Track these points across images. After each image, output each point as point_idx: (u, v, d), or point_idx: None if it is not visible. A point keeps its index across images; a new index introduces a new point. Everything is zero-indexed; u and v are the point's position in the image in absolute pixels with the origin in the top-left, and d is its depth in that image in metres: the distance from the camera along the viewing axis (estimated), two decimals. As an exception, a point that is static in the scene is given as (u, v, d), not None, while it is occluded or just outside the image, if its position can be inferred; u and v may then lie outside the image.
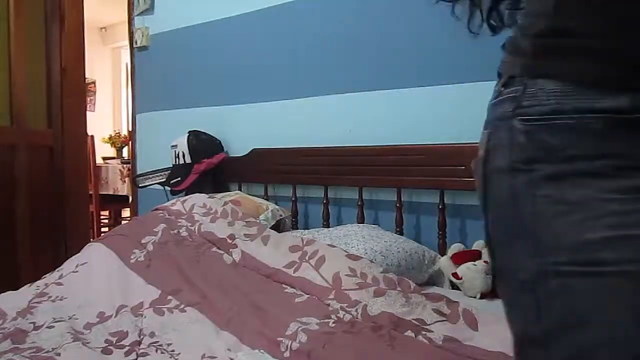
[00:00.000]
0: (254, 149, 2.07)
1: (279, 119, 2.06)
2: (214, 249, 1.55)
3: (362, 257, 1.37)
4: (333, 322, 1.13)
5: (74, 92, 2.71)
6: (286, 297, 1.27)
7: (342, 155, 1.82)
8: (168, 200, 2.01)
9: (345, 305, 1.19)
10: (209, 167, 2.13)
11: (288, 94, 2.03)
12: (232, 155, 2.20)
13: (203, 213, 1.72)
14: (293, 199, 1.95)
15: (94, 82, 6.25)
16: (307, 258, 1.38)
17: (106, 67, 6.53)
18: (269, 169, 2.02)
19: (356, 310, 1.16)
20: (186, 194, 2.11)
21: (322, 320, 1.14)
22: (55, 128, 2.64)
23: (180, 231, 1.65)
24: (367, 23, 1.82)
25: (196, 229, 1.65)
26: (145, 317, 1.31)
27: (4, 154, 2.36)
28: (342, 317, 1.15)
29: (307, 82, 1.98)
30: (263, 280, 1.37)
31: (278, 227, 1.86)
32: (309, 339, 1.08)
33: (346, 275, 1.28)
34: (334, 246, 1.44)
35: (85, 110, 2.93)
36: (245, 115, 2.17)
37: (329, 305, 1.21)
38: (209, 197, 1.84)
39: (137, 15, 2.57)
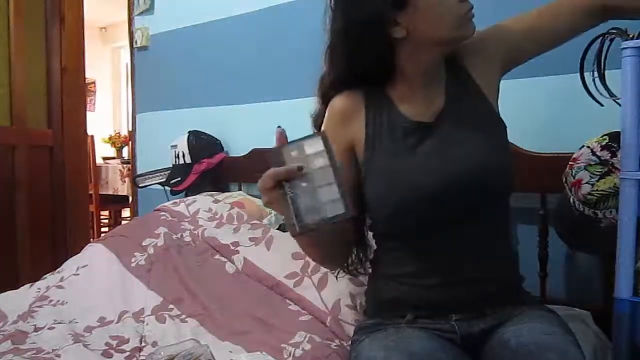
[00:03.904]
0: (254, 149, 2.07)
1: (279, 119, 2.06)
2: (217, 256, 1.52)
3: (364, 284, 1.32)
4: (335, 346, 1.11)
5: (74, 92, 2.71)
6: (291, 313, 1.25)
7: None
8: (168, 200, 2.01)
9: (341, 338, 1.16)
10: (209, 167, 2.13)
11: (288, 94, 2.03)
12: (232, 155, 2.20)
13: (208, 218, 1.70)
14: (293, 199, 1.95)
15: (94, 82, 6.26)
16: (309, 271, 1.33)
17: (106, 67, 6.54)
18: (269, 169, 2.01)
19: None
20: (186, 194, 2.11)
21: (325, 341, 1.13)
22: (55, 128, 2.64)
23: (184, 235, 1.64)
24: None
25: (200, 233, 1.63)
26: (147, 324, 1.30)
27: (4, 154, 2.36)
28: (343, 345, 1.13)
29: (307, 82, 1.98)
30: (266, 293, 1.34)
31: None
32: (312, 347, 1.08)
33: (346, 305, 1.23)
34: None
35: (85, 110, 2.93)
36: (245, 115, 2.17)
37: (330, 329, 1.18)
38: (214, 201, 1.82)
39: (137, 15, 2.57)
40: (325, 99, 1.06)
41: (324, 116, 1.05)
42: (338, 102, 1.03)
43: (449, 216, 0.93)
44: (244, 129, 2.18)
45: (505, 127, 1.01)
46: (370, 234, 1.09)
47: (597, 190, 1.05)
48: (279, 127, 1.93)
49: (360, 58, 0.96)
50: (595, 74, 1.03)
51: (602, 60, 1.03)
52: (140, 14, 2.55)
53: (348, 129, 1.01)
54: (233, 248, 1.52)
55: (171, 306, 1.36)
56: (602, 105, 1.04)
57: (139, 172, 2.48)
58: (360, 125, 1.00)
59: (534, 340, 0.85)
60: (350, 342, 1.05)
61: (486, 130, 0.97)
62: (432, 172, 0.92)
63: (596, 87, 1.04)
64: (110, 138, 5.00)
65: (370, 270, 1.10)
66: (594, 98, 1.05)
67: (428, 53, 0.96)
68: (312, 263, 1.36)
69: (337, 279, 1.21)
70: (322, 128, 1.04)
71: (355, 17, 0.93)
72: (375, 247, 1.07)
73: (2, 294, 1.48)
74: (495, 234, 0.98)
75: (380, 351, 0.88)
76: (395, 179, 0.94)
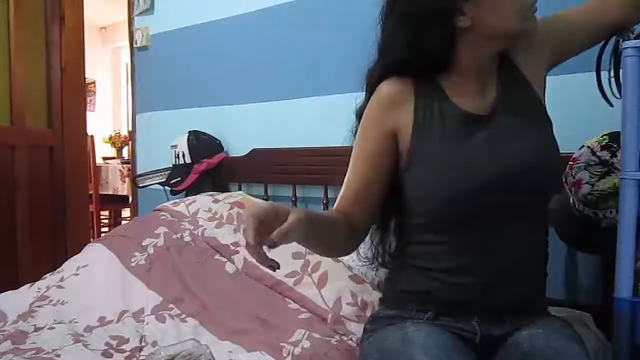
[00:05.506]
0: (254, 149, 2.07)
1: (279, 119, 2.06)
2: (217, 256, 1.52)
3: (365, 281, 1.31)
4: (335, 341, 1.11)
5: (74, 92, 2.71)
6: (290, 312, 1.25)
7: (342, 155, 1.82)
8: (168, 200, 2.01)
9: (342, 334, 1.17)
10: (209, 167, 2.13)
11: (288, 93, 2.03)
12: (232, 155, 2.20)
13: (208, 218, 1.70)
14: (293, 199, 1.95)
15: (94, 82, 6.25)
16: (309, 270, 1.33)
17: (106, 67, 6.53)
18: (268, 169, 2.02)
19: (353, 340, 1.14)
20: (186, 194, 2.11)
21: (324, 337, 1.13)
22: (55, 128, 2.64)
23: (184, 235, 1.64)
24: (370, 23, 1.82)
25: (199, 233, 1.63)
26: (147, 324, 1.30)
27: (4, 154, 2.36)
28: (344, 340, 1.14)
29: (307, 82, 1.98)
30: (266, 292, 1.34)
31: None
32: (312, 345, 1.08)
33: (347, 303, 1.23)
34: (338, 260, 1.38)
35: (85, 110, 2.93)
36: (245, 115, 2.17)
37: (331, 326, 1.19)
38: (213, 201, 1.82)
39: (137, 15, 2.57)
40: (373, 88, 1.02)
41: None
42: (386, 87, 1.00)
43: (496, 211, 0.91)
44: (244, 129, 2.18)
45: (552, 123, 1.00)
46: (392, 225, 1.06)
47: (597, 190, 1.05)
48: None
49: (421, 45, 0.94)
50: (612, 73, 1.03)
51: (618, 60, 1.02)
52: (140, 14, 2.55)
53: (394, 115, 0.98)
54: (233, 248, 1.52)
55: (171, 306, 1.36)
56: (611, 105, 1.04)
57: (139, 172, 2.49)
58: (409, 111, 0.97)
59: (547, 346, 0.86)
60: (350, 336, 1.06)
61: (537, 126, 0.96)
62: (484, 165, 0.91)
63: (610, 87, 1.03)
64: (110, 138, 5.00)
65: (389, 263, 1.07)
66: (605, 98, 1.04)
67: (488, 45, 0.95)
68: (312, 262, 1.37)
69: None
70: (365, 113, 1.02)
71: (425, 4, 0.92)
72: (407, 238, 1.02)
73: (2, 294, 1.48)
74: (536, 236, 0.98)
75: (397, 345, 0.87)
76: (447, 164, 0.92)
